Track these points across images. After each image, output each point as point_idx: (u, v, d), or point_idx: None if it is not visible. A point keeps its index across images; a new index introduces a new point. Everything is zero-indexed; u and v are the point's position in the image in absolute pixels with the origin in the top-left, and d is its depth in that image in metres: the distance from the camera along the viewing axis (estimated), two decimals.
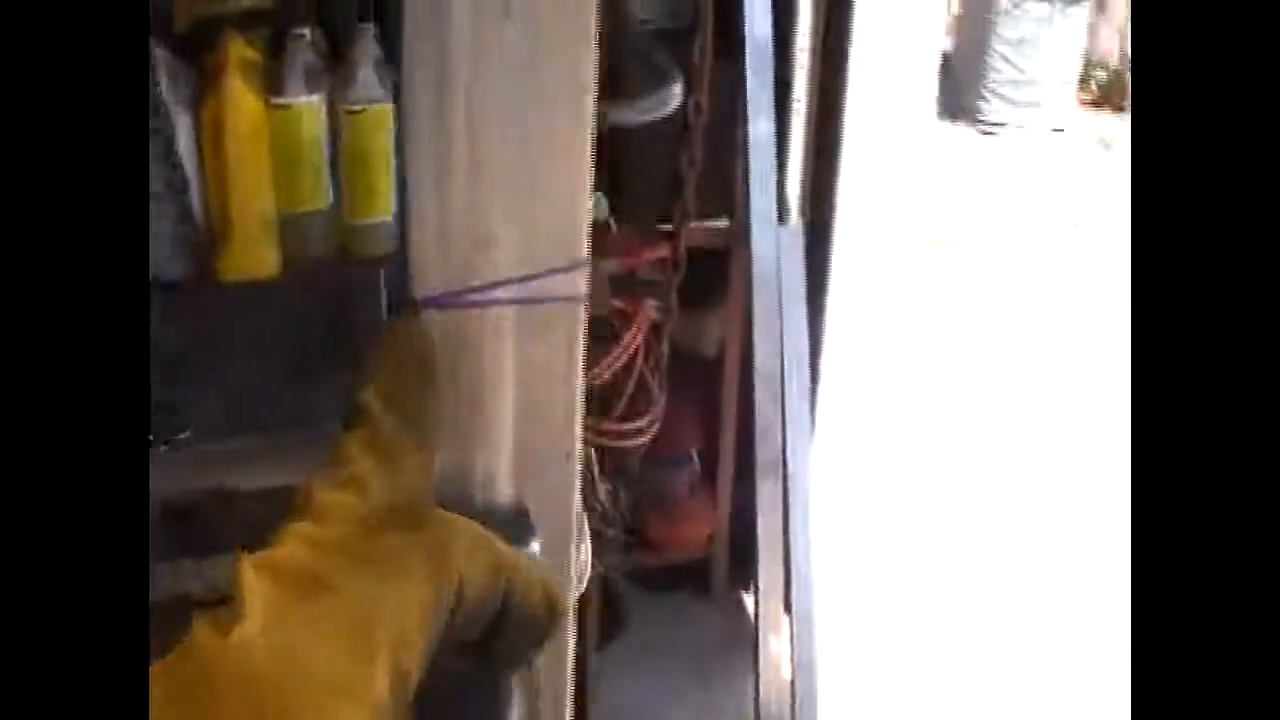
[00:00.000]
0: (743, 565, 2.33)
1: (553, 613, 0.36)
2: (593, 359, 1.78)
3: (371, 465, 0.34)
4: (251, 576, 0.30)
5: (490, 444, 0.36)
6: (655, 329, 2.08)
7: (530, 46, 0.32)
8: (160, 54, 1.87)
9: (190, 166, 1.99)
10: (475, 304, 0.34)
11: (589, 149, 0.34)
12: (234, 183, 1.51)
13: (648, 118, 1.33)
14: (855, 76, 2.12)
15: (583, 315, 0.35)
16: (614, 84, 2.00)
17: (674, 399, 2.14)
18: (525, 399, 0.35)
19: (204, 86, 2.02)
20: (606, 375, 1.66)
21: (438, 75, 0.33)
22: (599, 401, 1.74)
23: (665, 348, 2.14)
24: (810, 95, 2.17)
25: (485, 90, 0.32)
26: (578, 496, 0.37)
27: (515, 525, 0.36)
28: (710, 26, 2.07)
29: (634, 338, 1.71)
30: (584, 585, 1.02)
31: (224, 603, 0.30)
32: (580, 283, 0.35)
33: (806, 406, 2.16)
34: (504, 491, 0.36)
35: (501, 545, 0.34)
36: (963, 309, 3.91)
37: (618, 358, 1.69)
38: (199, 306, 1.40)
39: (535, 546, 0.35)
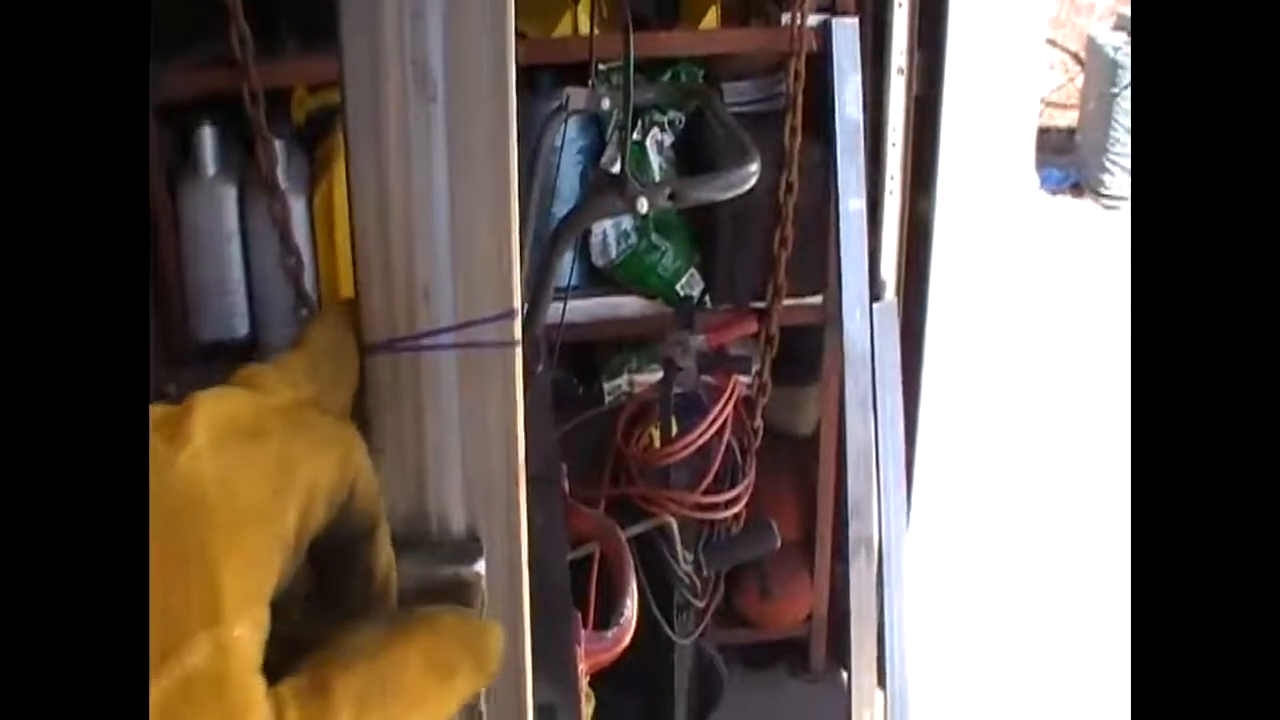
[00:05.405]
0: (842, 643, 2.30)
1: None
2: (682, 434, 1.81)
3: (304, 367, 0.37)
4: (203, 407, 0.33)
5: (441, 478, 0.40)
6: (747, 404, 2.10)
7: (454, 123, 0.36)
8: (278, 144, 2.01)
9: (305, 248, 2.12)
10: (418, 349, 0.38)
11: (513, 211, 0.38)
12: (346, 261, 1.62)
13: (723, 195, 1.38)
14: (948, 153, 2.14)
15: (519, 359, 0.39)
16: (696, 164, 2.06)
17: (770, 477, 2.15)
18: (469, 438, 0.39)
19: (317, 173, 2.16)
20: (690, 450, 1.68)
21: (375, 149, 0.37)
22: (687, 474, 1.76)
23: (759, 423, 2.15)
24: (904, 173, 2.19)
25: (416, 160, 0.37)
26: (524, 525, 0.41)
27: (467, 547, 0.40)
28: (800, 107, 2.12)
29: (721, 412, 1.73)
30: (625, 640, 1.05)
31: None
32: (515, 329, 0.39)
33: (901, 483, 2.15)
34: (457, 520, 0.40)
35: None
36: (1064, 382, 3.82)
37: (704, 431, 1.71)
38: None
39: (480, 565, 0.39)
